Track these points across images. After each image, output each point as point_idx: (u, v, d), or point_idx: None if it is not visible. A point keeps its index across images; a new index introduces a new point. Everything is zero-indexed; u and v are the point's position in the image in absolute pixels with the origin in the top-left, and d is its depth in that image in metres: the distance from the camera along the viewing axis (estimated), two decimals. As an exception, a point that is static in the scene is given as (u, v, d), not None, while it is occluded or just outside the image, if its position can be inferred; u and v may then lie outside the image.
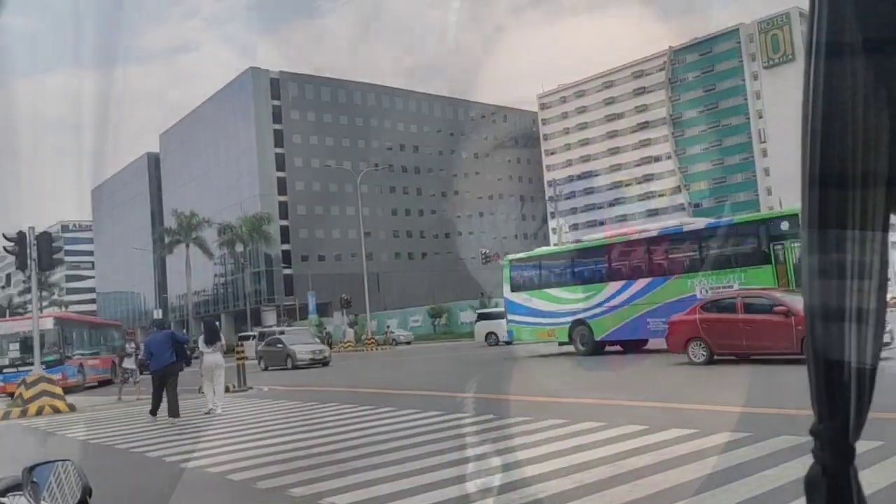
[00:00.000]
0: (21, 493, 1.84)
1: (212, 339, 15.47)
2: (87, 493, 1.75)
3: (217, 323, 17.93)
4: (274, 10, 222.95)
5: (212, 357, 15.34)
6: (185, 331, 36.39)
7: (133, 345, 23.76)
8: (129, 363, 21.79)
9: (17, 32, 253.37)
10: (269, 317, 75.83)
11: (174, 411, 14.12)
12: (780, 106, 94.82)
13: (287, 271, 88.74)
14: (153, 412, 14.70)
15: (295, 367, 29.78)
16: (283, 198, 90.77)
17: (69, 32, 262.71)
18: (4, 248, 18.95)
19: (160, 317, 67.89)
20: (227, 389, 17.35)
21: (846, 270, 0.72)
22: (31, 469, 1.87)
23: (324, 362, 30.90)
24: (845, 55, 0.70)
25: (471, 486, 6.48)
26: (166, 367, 14.57)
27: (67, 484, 1.82)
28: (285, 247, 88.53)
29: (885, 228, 0.72)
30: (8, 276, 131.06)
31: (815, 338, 0.75)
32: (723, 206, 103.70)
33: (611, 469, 6.76)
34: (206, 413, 14.51)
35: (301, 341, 33.15)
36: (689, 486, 5.93)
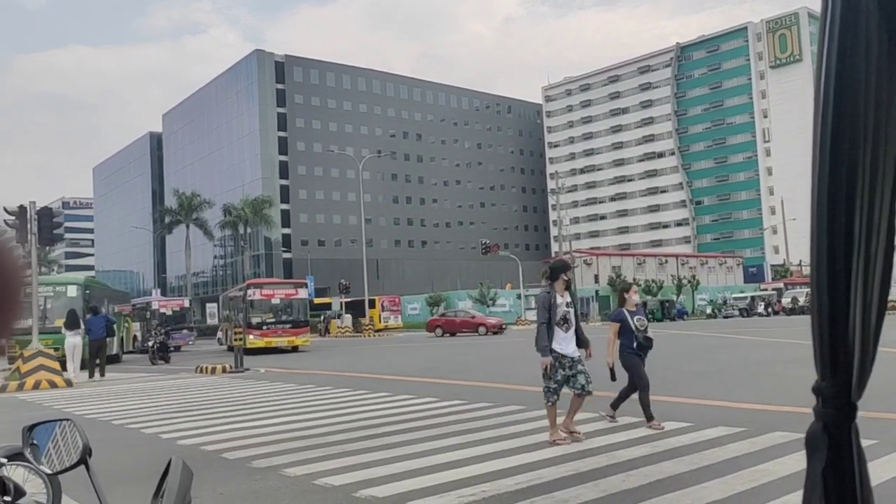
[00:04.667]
0: (23, 462, 1.77)
1: (72, 325, 20.11)
2: (87, 452, 1.69)
3: (76, 312, 21.35)
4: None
5: (72, 339, 20.03)
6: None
7: None
8: None
9: (23, 10, 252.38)
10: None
11: (102, 372, 19.74)
12: (785, 106, 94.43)
13: (286, 255, 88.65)
14: (92, 375, 19.40)
15: None
16: (284, 181, 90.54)
17: (76, 10, 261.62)
18: (5, 221, 18.87)
19: (156, 293, 67.69)
20: (224, 370, 20.31)
21: (852, 252, 0.72)
22: (31, 428, 1.81)
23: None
24: (859, 53, 0.70)
25: (464, 472, 6.49)
26: (100, 340, 20.14)
27: (65, 444, 1.77)
28: (285, 230, 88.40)
29: (892, 226, 0.73)
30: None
31: (819, 296, 0.75)
32: (725, 203, 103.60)
33: (606, 458, 6.78)
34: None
35: None
36: (682, 478, 5.95)
